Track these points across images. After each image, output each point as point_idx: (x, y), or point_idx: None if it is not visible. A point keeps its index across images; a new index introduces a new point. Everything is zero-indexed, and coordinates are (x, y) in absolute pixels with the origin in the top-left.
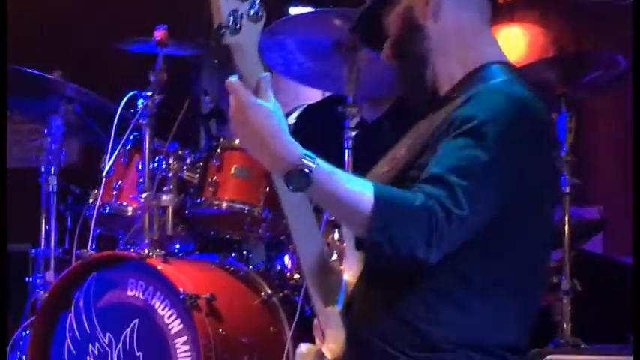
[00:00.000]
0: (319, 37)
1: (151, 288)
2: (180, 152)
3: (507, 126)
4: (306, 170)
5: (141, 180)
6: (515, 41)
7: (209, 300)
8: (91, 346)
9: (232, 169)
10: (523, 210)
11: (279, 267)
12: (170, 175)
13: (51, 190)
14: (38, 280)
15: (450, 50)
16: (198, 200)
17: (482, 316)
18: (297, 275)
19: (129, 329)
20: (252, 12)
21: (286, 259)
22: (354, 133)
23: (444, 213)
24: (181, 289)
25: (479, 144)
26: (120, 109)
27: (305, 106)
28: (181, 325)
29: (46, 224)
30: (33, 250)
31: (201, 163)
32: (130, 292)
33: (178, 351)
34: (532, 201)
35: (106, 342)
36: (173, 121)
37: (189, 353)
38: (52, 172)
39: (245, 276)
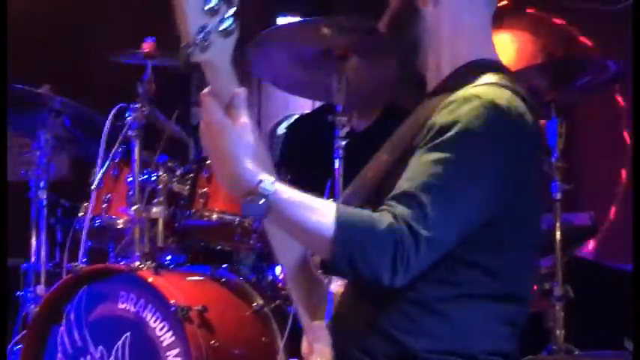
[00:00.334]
0: (308, 47)
1: (143, 300)
2: (169, 164)
3: (484, 137)
4: (262, 196)
5: (131, 192)
6: (505, 48)
7: (201, 312)
8: (82, 359)
9: None
10: (506, 218)
11: (270, 278)
12: (160, 187)
13: (41, 203)
14: (29, 295)
15: (442, 39)
16: (189, 212)
17: (464, 324)
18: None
19: (120, 342)
20: (222, 27)
21: (278, 269)
22: (344, 142)
23: (412, 238)
24: (173, 301)
25: (452, 157)
26: (108, 121)
27: (297, 116)
28: (173, 338)
29: (36, 238)
30: (23, 265)
31: (191, 175)
32: (121, 305)
33: None
34: (516, 208)
35: (98, 355)
36: (162, 133)
37: None
38: (42, 185)
39: (237, 287)
